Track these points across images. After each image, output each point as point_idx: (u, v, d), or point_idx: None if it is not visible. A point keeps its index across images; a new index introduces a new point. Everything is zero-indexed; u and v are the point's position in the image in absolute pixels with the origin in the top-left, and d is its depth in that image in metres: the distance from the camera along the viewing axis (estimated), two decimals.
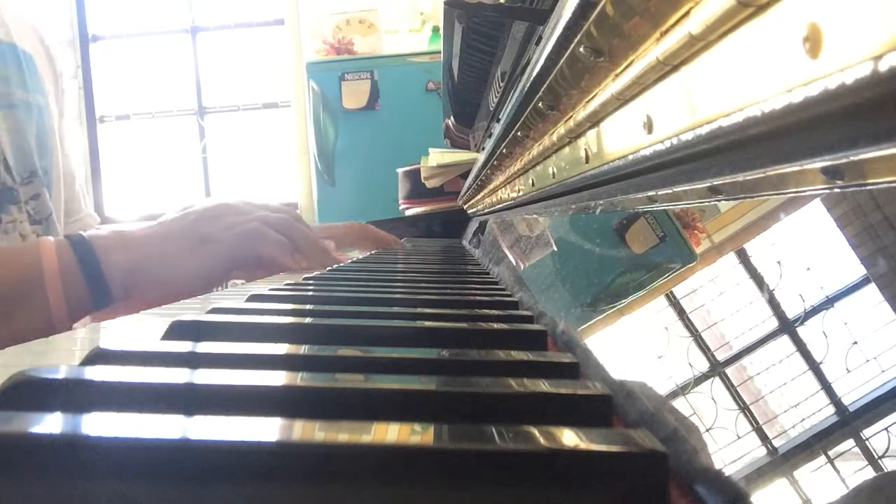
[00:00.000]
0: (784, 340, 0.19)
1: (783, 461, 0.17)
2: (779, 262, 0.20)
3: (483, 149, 0.88)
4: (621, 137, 0.30)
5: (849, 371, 0.16)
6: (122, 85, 3.84)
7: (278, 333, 0.32)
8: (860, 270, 0.16)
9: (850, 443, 0.15)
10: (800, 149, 0.16)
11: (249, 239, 0.75)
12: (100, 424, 0.17)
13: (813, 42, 0.14)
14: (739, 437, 0.19)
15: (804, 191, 0.18)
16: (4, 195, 0.87)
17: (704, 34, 0.19)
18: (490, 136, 0.78)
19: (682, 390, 0.22)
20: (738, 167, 0.20)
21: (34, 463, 0.15)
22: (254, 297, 0.44)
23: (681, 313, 0.26)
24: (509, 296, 0.49)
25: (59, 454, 0.15)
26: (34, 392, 0.20)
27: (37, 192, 0.93)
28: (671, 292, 0.27)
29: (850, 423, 0.16)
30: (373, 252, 1.13)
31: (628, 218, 0.34)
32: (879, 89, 0.12)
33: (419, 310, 0.39)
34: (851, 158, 0.14)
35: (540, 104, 0.42)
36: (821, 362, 0.17)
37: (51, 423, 0.16)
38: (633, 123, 0.27)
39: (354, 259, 0.93)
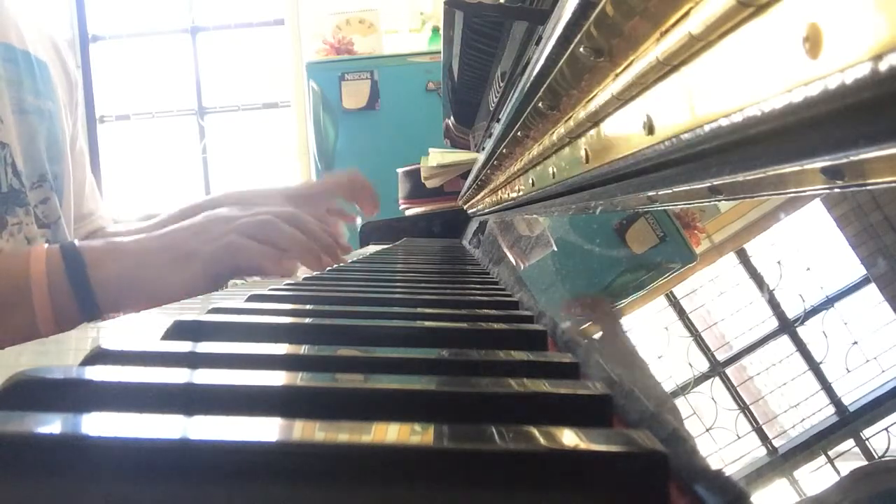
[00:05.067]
0: (784, 340, 0.19)
1: (783, 461, 0.17)
2: (779, 262, 0.20)
3: (483, 149, 0.88)
4: (621, 137, 0.30)
5: (849, 371, 0.16)
6: (122, 85, 3.84)
7: (278, 333, 0.32)
8: (860, 270, 0.16)
9: (850, 443, 0.15)
10: (800, 149, 0.16)
11: (227, 253, 0.74)
12: (100, 424, 0.17)
13: (813, 42, 0.14)
14: (739, 437, 0.19)
15: (804, 191, 0.18)
16: (11, 198, 0.87)
17: (704, 34, 0.19)
18: (490, 136, 0.78)
19: (682, 390, 0.22)
20: (738, 167, 0.20)
21: (34, 463, 0.15)
22: (254, 297, 0.44)
23: (681, 313, 0.26)
24: (509, 296, 0.49)
25: (59, 454, 0.15)
26: (34, 392, 0.20)
27: (46, 197, 0.93)
28: (671, 292, 0.27)
29: (850, 423, 0.15)
30: (373, 252, 1.13)
31: (628, 218, 0.34)
32: (879, 89, 0.12)
33: (419, 310, 0.39)
34: (851, 158, 0.14)
35: (540, 104, 0.42)
36: (821, 362, 0.17)
37: (51, 423, 0.16)
38: (633, 123, 0.27)
39: (354, 259, 0.93)
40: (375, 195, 1.12)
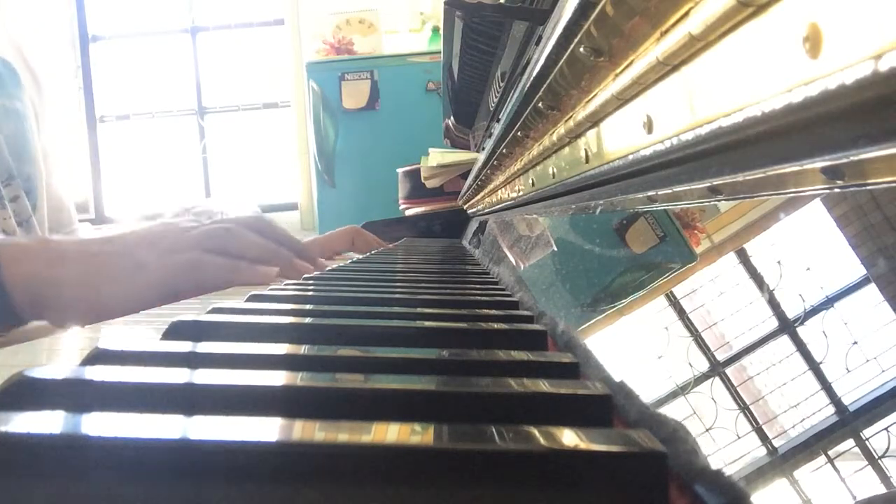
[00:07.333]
0: (784, 340, 0.19)
1: (783, 461, 0.17)
2: (779, 262, 0.20)
3: (483, 149, 0.88)
4: (621, 137, 0.30)
5: (849, 371, 0.16)
6: (122, 85, 3.84)
7: (278, 333, 0.32)
8: (860, 270, 0.16)
9: (850, 443, 0.15)
10: (800, 149, 0.16)
11: (188, 269, 0.67)
12: (99, 424, 0.17)
13: (813, 42, 0.14)
14: (739, 437, 0.19)
15: (804, 191, 0.18)
16: None
17: (704, 34, 0.19)
18: (490, 136, 0.79)
19: (682, 390, 0.22)
20: (738, 167, 0.20)
21: (34, 463, 0.15)
22: (254, 297, 0.44)
23: (681, 313, 0.26)
24: (509, 296, 0.49)
25: (59, 454, 0.15)
26: (34, 392, 0.20)
27: (16, 195, 0.92)
28: (671, 292, 0.27)
29: (850, 423, 0.16)
30: (373, 252, 1.13)
31: (628, 218, 0.34)
32: (879, 89, 0.12)
33: (419, 310, 0.39)
34: (851, 158, 0.14)
35: (540, 104, 0.42)
36: (821, 362, 0.17)
37: (50, 423, 0.16)
38: (633, 123, 0.27)
39: (354, 259, 0.93)
40: (375, 240, 1.10)
